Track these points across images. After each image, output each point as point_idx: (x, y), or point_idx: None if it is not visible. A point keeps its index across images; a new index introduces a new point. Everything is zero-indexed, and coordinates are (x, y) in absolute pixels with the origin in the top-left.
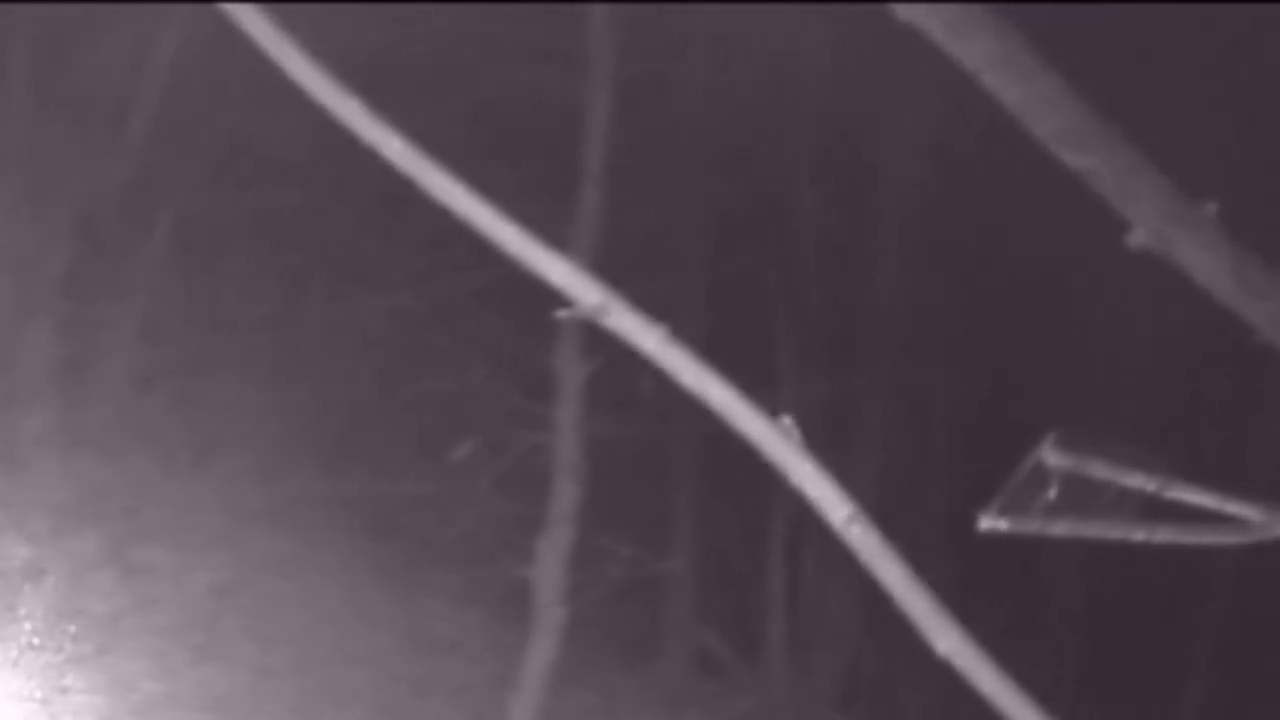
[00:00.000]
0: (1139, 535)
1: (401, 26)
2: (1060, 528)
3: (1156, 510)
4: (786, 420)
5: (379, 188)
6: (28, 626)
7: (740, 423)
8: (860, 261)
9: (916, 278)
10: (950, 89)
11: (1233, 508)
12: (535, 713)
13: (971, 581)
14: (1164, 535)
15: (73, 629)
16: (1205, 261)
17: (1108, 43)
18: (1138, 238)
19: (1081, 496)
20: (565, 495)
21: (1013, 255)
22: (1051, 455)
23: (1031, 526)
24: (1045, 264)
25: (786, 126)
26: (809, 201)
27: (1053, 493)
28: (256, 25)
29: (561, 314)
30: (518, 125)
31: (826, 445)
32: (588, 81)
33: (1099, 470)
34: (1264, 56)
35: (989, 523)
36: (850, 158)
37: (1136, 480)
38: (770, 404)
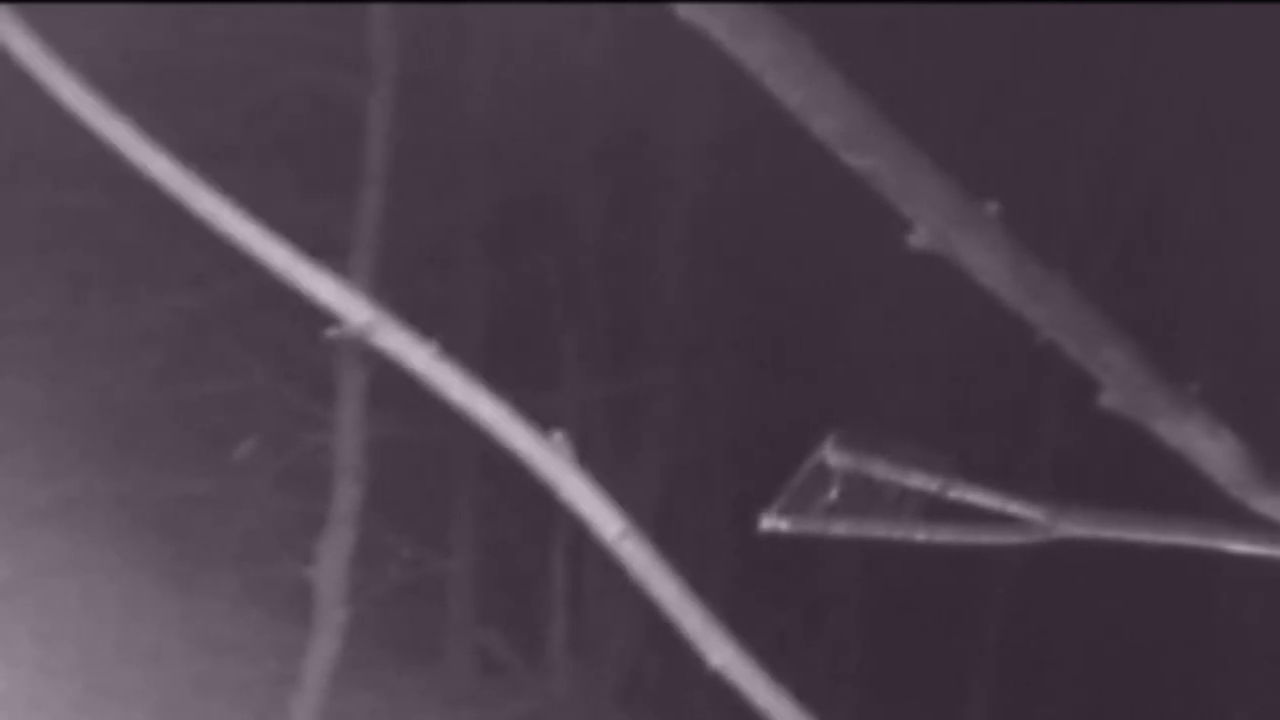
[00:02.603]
0: (921, 535)
1: (183, 28)
2: (842, 528)
3: (939, 510)
4: (558, 435)
5: (160, 189)
6: None
7: (511, 439)
8: (643, 262)
9: (699, 278)
10: (732, 88)
11: (1015, 508)
12: (316, 713)
13: (753, 581)
14: (946, 535)
15: None
16: (987, 262)
17: (889, 42)
18: (919, 238)
19: (863, 496)
20: (346, 495)
21: (795, 255)
22: (833, 455)
23: (813, 527)
24: (828, 264)
25: (568, 126)
26: (591, 201)
27: (834, 493)
28: (21, 44)
29: (330, 333)
30: (298, 125)
31: (609, 446)
32: (369, 81)
33: (881, 470)
34: (1044, 56)
35: (770, 523)
36: (632, 157)
37: (918, 480)
38: (552, 405)
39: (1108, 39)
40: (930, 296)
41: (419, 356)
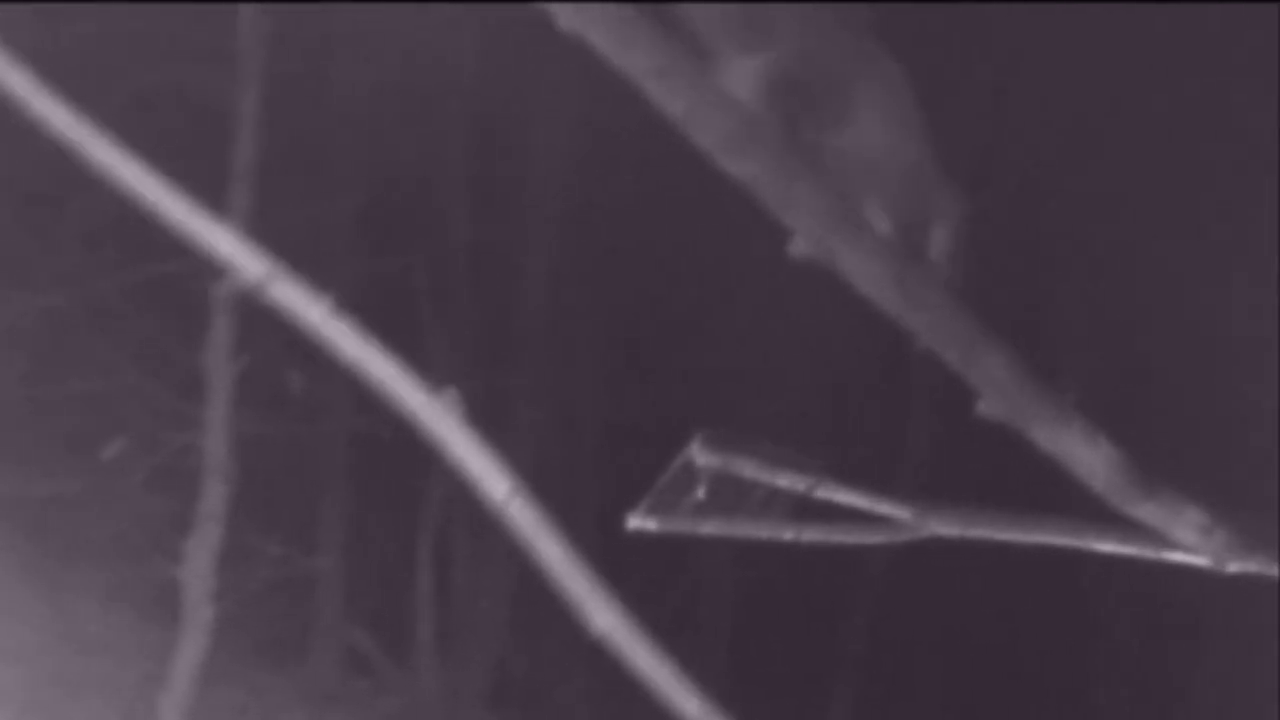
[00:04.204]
0: (788, 535)
1: (50, 25)
2: (709, 527)
3: (806, 510)
4: (449, 393)
5: (29, 187)
6: None
7: (401, 397)
8: (511, 261)
9: (569, 277)
10: (604, 87)
11: (884, 508)
12: (183, 711)
13: (620, 580)
14: (813, 535)
15: None
16: (867, 270)
17: None
18: (799, 246)
19: (731, 496)
20: (214, 494)
21: (666, 257)
22: (701, 455)
23: (680, 526)
24: (698, 267)
25: (437, 126)
26: (459, 201)
27: (701, 492)
28: None
29: (223, 285)
30: (167, 124)
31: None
32: (237, 80)
33: (748, 470)
34: (915, 59)
35: (637, 522)
36: (502, 157)
37: (786, 480)
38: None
39: (978, 39)
40: (799, 299)
41: (313, 312)
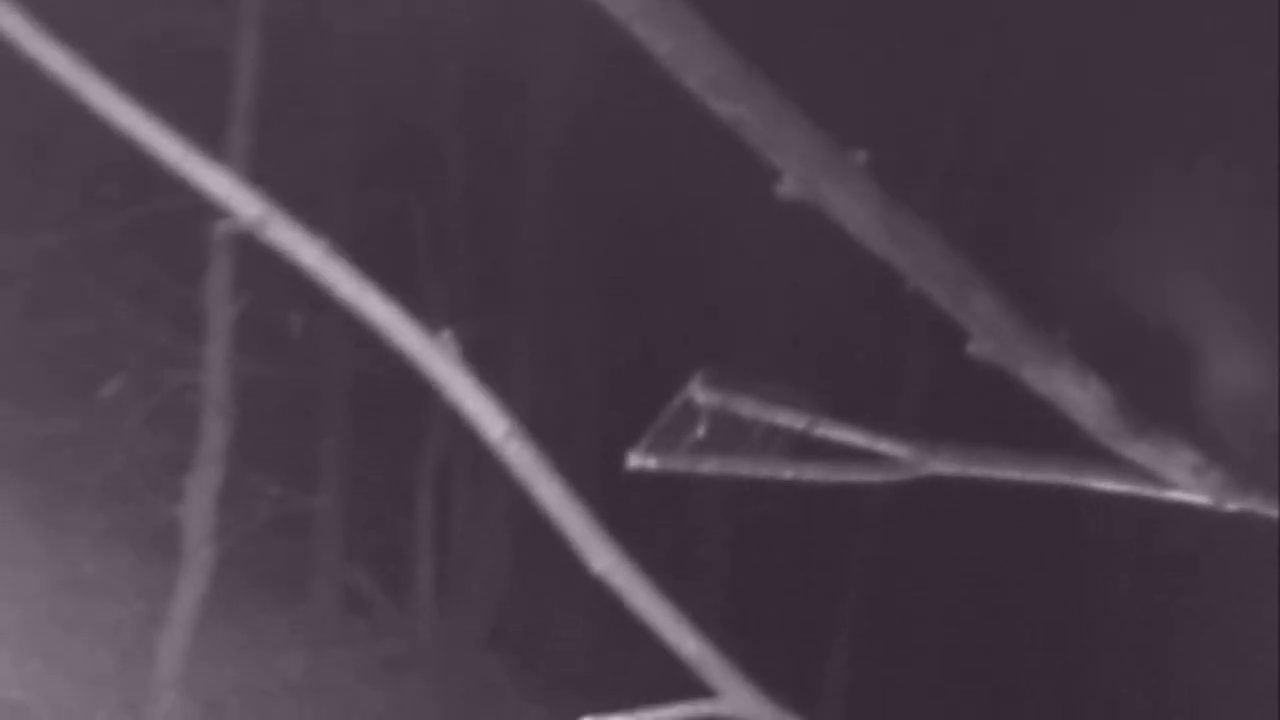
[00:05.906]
0: (788, 473)
1: None
2: (709, 465)
3: (805, 448)
4: (445, 334)
5: (24, 127)
6: None
7: (398, 337)
8: (508, 202)
9: (564, 219)
10: (600, 28)
11: (883, 445)
12: (183, 651)
13: (619, 520)
14: (813, 473)
15: None
16: (855, 211)
17: None
18: (787, 187)
19: (730, 434)
20: (214, 434)
21: (661, 196)
22: (700, 393)
23: (680, 464)
24: (695, 208)
25: (434, 68)
26: (456, 142)
27: (701, 430)
28: None
29: (221, 226)
30: (166, 66)
31: None
32: (237, 22)
33: (748, 408)
34: (912, 6)
35: (637, 461)
36: (498, 99)
37: (785, 418)
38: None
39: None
40: (798, 239)
41: (309, 253)
